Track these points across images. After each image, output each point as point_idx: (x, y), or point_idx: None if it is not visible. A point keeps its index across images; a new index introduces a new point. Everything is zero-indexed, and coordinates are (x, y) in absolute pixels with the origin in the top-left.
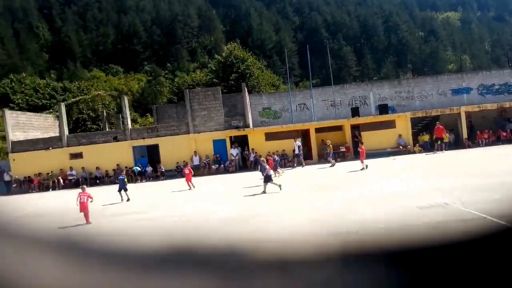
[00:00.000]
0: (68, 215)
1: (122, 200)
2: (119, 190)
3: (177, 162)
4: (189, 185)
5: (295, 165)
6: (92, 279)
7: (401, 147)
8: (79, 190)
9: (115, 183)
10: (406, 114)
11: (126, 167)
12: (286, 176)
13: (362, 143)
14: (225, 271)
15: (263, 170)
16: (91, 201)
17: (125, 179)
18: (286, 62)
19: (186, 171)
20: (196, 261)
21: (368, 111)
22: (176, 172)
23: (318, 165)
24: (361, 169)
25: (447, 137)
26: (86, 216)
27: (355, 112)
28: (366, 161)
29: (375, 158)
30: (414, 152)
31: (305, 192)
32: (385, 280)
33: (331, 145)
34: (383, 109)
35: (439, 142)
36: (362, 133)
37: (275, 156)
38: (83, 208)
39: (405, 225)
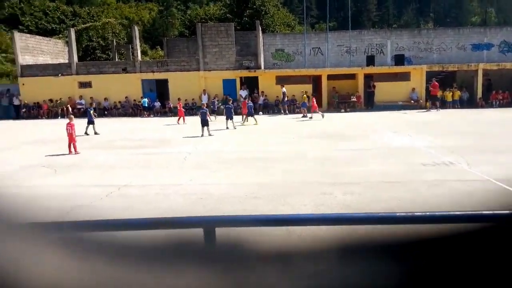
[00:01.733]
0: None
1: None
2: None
3: (186, 100)
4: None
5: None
6: None
7: (413, 101)
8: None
9: (123, 115)
10: (422, 67)
11: (134, 100)
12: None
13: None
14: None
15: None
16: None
17: (92, 112)
18: (304, 0)
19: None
20: None
21: (384, 61)
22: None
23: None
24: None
25: (448, 96)
26: (74, 146)
27: (370, 60)
28: (376, 113)
29: (386, 111)
30: (425, 108)
31: (309, 140)
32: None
33: (306, 95)
34: (399, 59)
35: (434, 100)
36: (375, 84)
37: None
38: (71, 139)
39: (407, 180)
